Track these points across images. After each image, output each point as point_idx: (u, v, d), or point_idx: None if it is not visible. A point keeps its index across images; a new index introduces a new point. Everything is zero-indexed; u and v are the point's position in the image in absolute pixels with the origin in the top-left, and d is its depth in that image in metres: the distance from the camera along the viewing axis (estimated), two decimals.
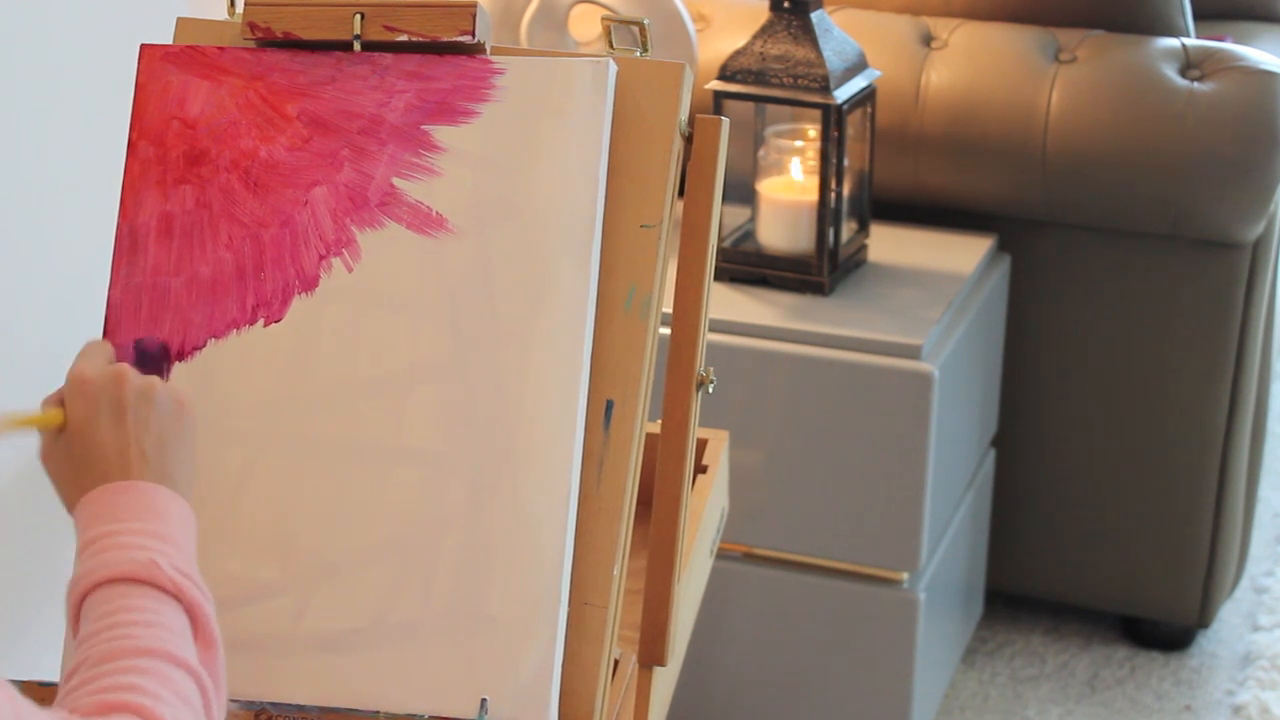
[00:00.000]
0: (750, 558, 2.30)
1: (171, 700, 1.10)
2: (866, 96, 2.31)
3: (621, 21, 1.43)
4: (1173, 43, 2.40)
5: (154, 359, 1.39)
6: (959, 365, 2.28)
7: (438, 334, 1.36)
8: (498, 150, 1.38)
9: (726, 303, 2.26)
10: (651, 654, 1.44)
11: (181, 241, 1.40)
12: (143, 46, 1.43)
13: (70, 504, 1.25)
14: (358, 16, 1.40)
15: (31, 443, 1.72)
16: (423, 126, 1.39)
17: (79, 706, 1.09)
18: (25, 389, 1.71)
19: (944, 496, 2.30)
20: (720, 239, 2.13)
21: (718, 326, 2.21)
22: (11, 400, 1.69)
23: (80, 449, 1.25)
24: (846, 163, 2.28)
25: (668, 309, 1.42)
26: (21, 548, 1.74)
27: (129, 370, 1.27)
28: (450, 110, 1.39)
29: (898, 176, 2.45)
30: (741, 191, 2.34)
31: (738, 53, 2.28)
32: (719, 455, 1.76)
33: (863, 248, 2.37)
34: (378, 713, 1.32)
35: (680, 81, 1.38)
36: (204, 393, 1.37)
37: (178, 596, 1.17)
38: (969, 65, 2.41)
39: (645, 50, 1.41)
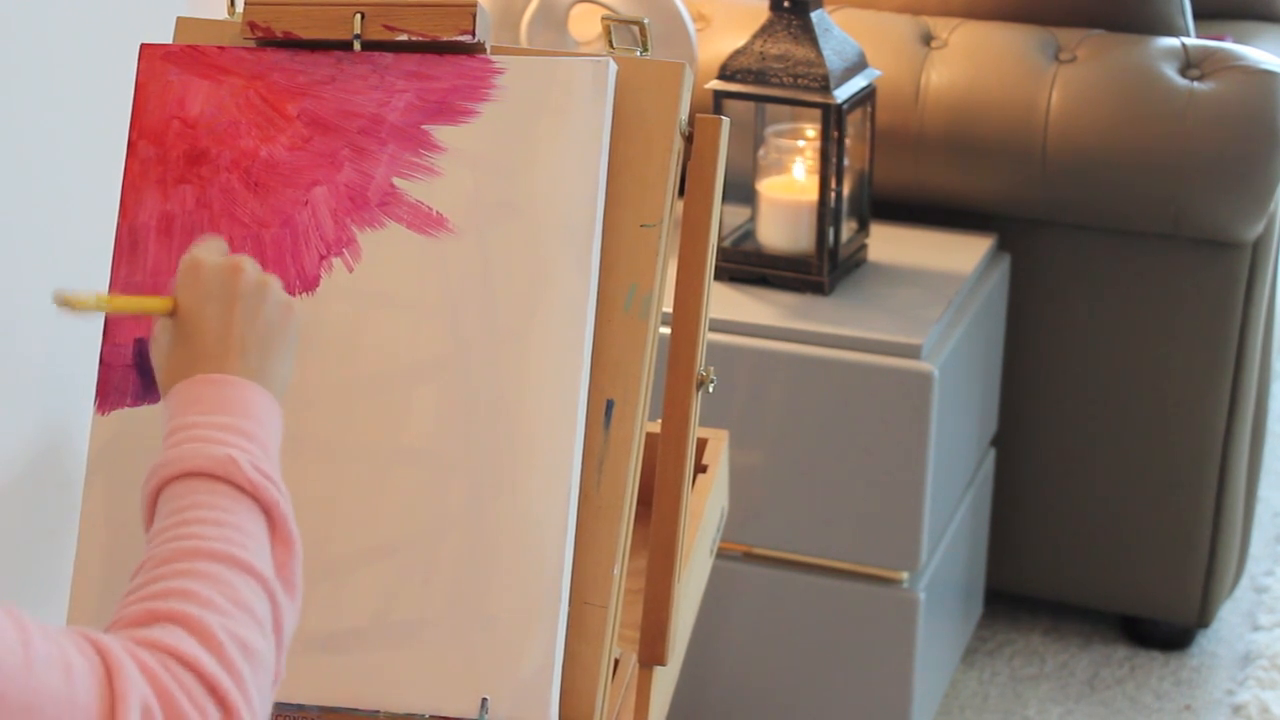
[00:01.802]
0: (750, 558, 2.30)
1: (227, 607, 1.06)
2: (866, 96, 2.31)
3: (621, 21, 1.43)
4: (1173, 42, 2.40)
5: None
6: (959, 365, 2.28)
7: (438, 333, 1.36)
8: (498, 150, 1.38)
9: (726, 302, 2.26)
10: (651, 653, 1.44)
11: (182, 241, 1.40)
12: (143, 46, 1.43)
13: (164, 389, 1.22)
14: (358, 16, 1.40)
15: (30, 444, 1.72)
16: (423, 126, 1.39)
17: (125, 616, 1.05)
18: (26, 389, 1.71)
19: (944, 496, 2.30)
20: (720, 239, 2.13)
21: (718, 326, 2.21)
22: (10, 402, 1.69)
23: (183, 333, 1.23)
24: (846, 162, 2.28)
25: (668, 309, 1.42)
26: (21, 548, 1.74)
27: (247, 262, 1.25)
28: (450, 110, 1.39)
29: (898, 176, 2.45)
30: (741, 191, 2.34)
31: (738, 52, 2.28)
32: (719, 455, 1.76)
33: (863, 247, 2.37)
34: (378, 713, 1.32)
35: (680, 81, 1.38)
36: None
37: (255, 495, 1.14)
38: (969, 65, 2.41)
39: (645, 50, 1.41)
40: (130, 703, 0.97)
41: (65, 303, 1.17)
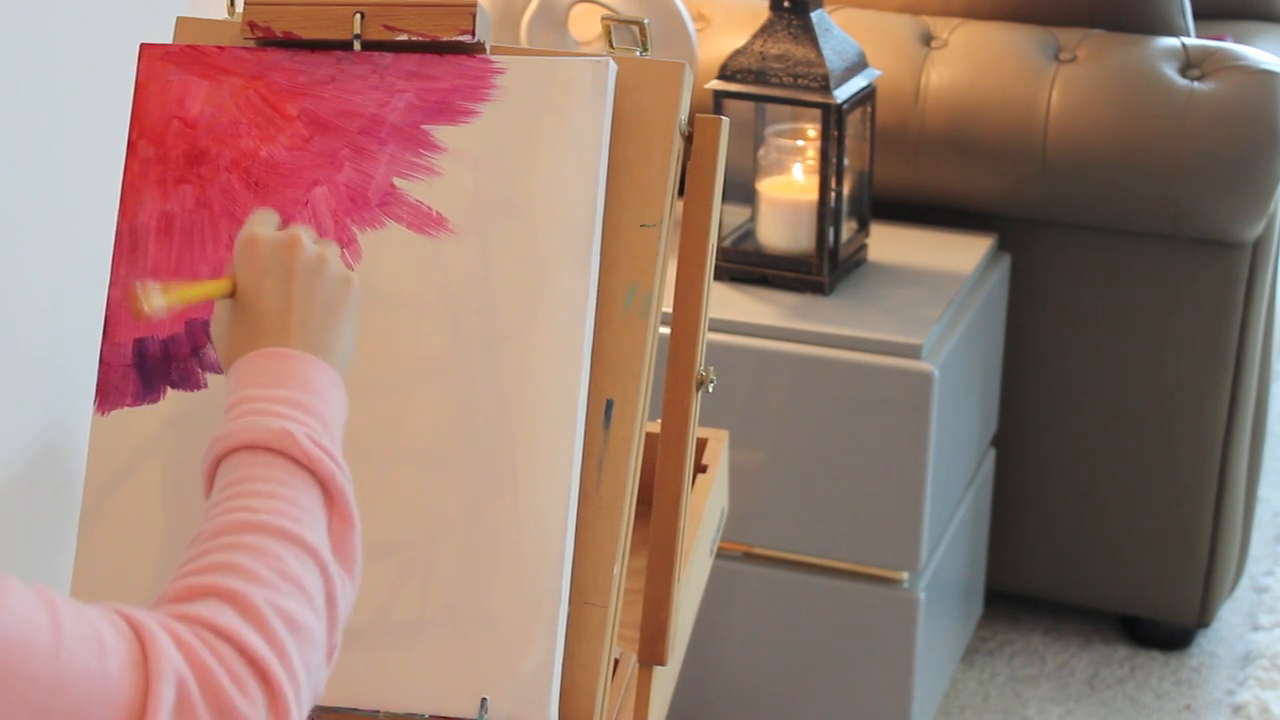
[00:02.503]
0: (750, 558, 2.30)
1: (272, 580, 1.04)
2: (866, 96, 2.31)
3: (621, 21, 1.43)
4: (1173, 42, 2.40)
5: (157, 360, 1.39)
6: (959, 365, 2.28)
7: (438, 333, 1.36)
8: (498, 150, 1.38)
9: (726, 302, 2.26)
10: (651, 653, 1.44)
11: (182, 241, 1.40)
12: (143, 46, 1.43)
13: (226, 366, 1.22)
14: (358, 16, 1.40)
15: (30, 444, 1.72)
16: (423, 126, 1.39)
17: (169, 592, 1.03)
18: (26, 389, 1.71)
19: (944, 496, 2.30)
20: (720, 238, 2.13)
21: (718, 326, 2.21)
22: (10, 402, 1.69)
23: (242, 310, 1.22)
24: (846, 162, 2.28)
25: (668, 308, 1.42)
26: (21, 548, 1.74)
27: (303, 236, 1.24)
28: (450, 110, 1.39)
29: (898, 176, 2.45)
30: (741, 191, 2.34)
31: (738, 52, 2.28)
32: (719, 455, 1.76)
33: (863, 247, 2.37)
34: (378, 712, 1.32)
35: (680, 81, 1.38)
36: (204, 393, 1.37)
37: (311, 469, 1.12)
38: (969, 65, 2.41)
39: (645, 50, 1.41)
40: (165, 677, 0.95)
41: (140, 314, 1.17)
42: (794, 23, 2.25)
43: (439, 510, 1.34)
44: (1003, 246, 2.48)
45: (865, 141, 2.34)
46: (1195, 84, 2.35)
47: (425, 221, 1.38)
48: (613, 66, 1.38)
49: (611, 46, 1.42)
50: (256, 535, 1.07)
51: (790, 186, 2.32)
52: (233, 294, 1.24)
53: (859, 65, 2.30)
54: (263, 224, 1.27)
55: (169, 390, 1.38)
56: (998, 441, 2.56)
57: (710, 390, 1.42)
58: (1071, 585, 2.61)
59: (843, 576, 2.28)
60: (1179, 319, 2.43)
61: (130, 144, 1.42)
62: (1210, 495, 2.49)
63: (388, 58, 1.41)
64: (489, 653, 1.31)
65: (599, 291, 1.36)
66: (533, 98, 1.38)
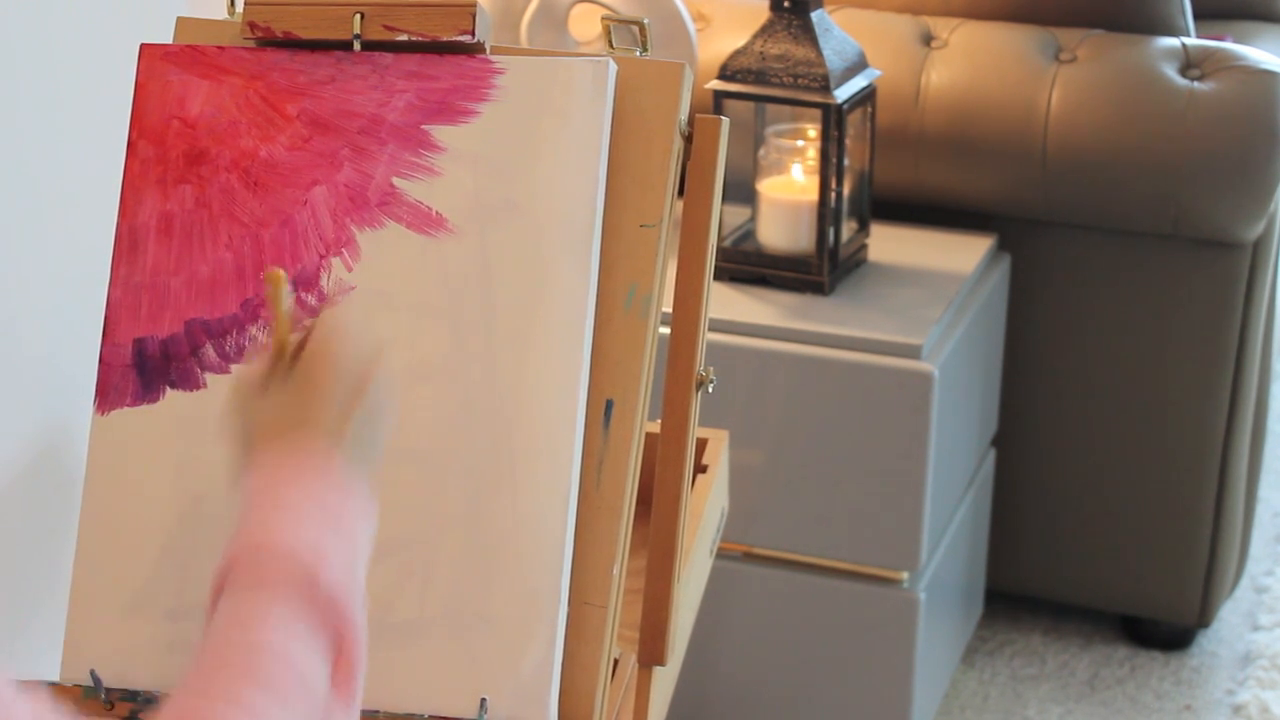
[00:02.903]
0: (750, 558, 2.30)
1: None
2: (866, 96, 2.31)
3: (621, 21, 1.43)
4: (1173, 42, 2.40)
5: (156, 360, 1.39)
6: (959, 365, 2.28)
7: (437, 334, 1.36)
8: (498, 150, 1.38)
9: (726, 302, 2.26)
10: (651, 654, 1.44)
11: (181, 241, 1.40)
12: (143, 46, 1.43)
13: (256, 440, 1.16)
14: (358, 16, 1.40)
15: (31, 444, 1.72)
16: (423, 126, 1.39)
17: None
18: (26, 389, 1.71)
19: (944, 496, 2.30)
20: (720, 239, 2.13)
21: (718, 326, 2.21)
22: (10, 402, 1.69)
23: (295, 385, 1.17)
24: (846, 162, 2.28)
25: (668, 309, 1.42)
26: (21, 548, 1.74)
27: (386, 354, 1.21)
28: (450, 110, 1.39)
29: (898, 176, 2.45)
30: (741, 191, 2.34)
31: (738, 52, 2.28)
32: (719, 455, 1.76)
33: (863, 247, 2.37)
34: (377, 713, 1.32)
35: (680, 81, 1.38)
36: (203, 393, 1.37)
37: (341, 629, 1.09)
38: (969, 65, 2.41)
39: (645, 50, 1.41)
40: None
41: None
42: (794, 23, 2.25)
43: (439, 510, 1.34)
44: (1003, 246, 2.48)
45: (865, 141, 2.34)
46: (1195, 84, 2.35)
47: (425, 221, 1.38)
48: (613, 67, 1.38)
49: (611, 46, 1.42)
50: (262, 697, 1.03)
51: (790, 186, 2.32)
52: (297, 353, 1.19)
53: (859, 65, 2.30)
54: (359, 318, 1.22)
55: (168, 390, 1.38)
56: (998, 441, 2.56)
57: (710, 390, 1.42)
58: (1071, 585, 2.61)
59: (843, 576, 2.28)
60: (1179, 319, 2.43)
61: (130, 144, 1.42)
62: (1210, 495, 2.49)
63: (388, 58, 1.41)
64: (489, 653, 1.31)
65: (599, 291, 1.36)
66: (533, 98, 1.38)
